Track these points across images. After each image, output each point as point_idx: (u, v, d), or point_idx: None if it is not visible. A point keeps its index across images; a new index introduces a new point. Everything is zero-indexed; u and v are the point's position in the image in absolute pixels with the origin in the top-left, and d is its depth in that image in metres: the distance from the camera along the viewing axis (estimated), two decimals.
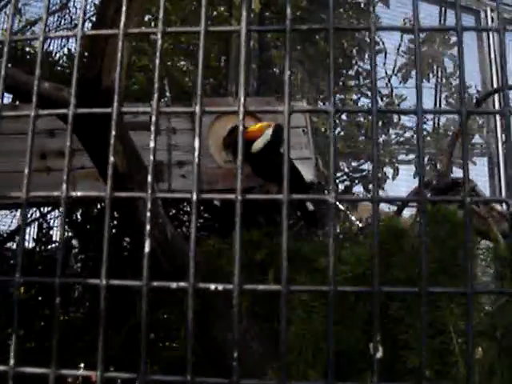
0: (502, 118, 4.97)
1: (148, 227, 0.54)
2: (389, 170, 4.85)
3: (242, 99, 0.54)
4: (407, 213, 3.08)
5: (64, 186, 0.56)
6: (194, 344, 0.54)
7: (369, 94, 4.96)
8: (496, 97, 4.97)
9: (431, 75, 5.21)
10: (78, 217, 3.80)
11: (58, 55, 4.31)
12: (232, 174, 3.20)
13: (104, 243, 0.54)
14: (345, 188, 4.69)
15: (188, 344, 0.51)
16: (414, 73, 5.13)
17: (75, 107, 0.59)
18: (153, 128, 0.56)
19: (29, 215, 3.94)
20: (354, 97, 5.04)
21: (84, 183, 2.92)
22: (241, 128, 0.54)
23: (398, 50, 5.20)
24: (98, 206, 3.71)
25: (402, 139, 5.05)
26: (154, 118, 0.56)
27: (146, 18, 4.23)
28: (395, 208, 3.12)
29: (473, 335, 0.50)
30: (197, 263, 0.53)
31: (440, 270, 1.82)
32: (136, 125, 2.38)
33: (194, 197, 0.52)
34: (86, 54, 2.07)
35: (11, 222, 4.14)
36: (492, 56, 5.19)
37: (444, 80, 5.26)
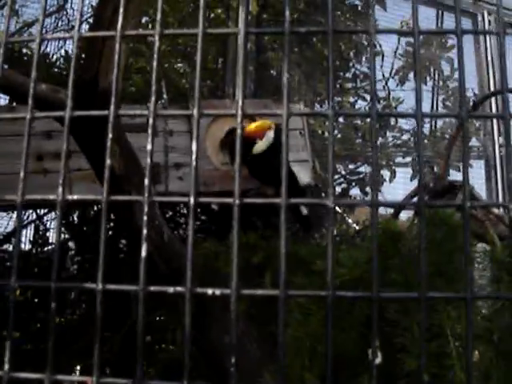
0: (501, 121, 4.97)
1: (145, 231, 0.54)
2: (386, 173, 4.85)
3: (241, 102, 0.54)
4: (404, 215, 3.08)
5: (60, 189, 0.55)
6: (190, 348, 0.54)
7: (366, 96, 4.96)
8: (493, 100, 4.98)
9: (428, 78, 5.22)
10: (75, 219, 3.79)
11: (54, 57, 4.30)
12: (229, 175, 3.20)
13: (100, 247, 0.53)
14: (342, 190, 4.69)
15: (185, 349, 0.50)
16: (411, 75, 5.14)
17: (72, 109, 0.58)
18: (150, 131, 0.55)
19: (25, 217, 3.93)
20: (351, 99, 5.04)
21: (81, 185, 2.91)
22: (239, 131, 0.54)
23: (396, 52, 5.21)
24: (95, 208, 3.71)
25: (399, 142, 5.05)
26: (151, 121, 0.56)
27: (144, 20, 4.23)
28: (392, 211, 3.12)
29: (472, 340, 0.50)
30: (194, 266, 0.52)
31: (437, 273, 1.82)
32: (133, 126, 2.38)
33: (192, 200, 0.52)
34: (83, 55, 2.07)
35: (7, 224, 4.13)
36: (489, 59, 5.20)
37: (441, 83, 5.26)
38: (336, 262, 1.84)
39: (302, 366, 1.80)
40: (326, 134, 4.64)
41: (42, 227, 3.95)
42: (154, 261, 2.28)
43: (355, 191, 4.75)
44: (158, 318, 3.39)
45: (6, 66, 3.24)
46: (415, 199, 2.94)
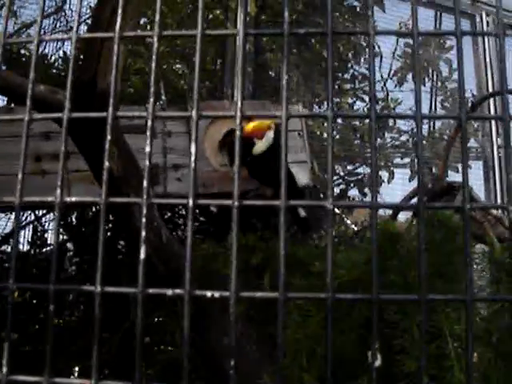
0: (500, 122, 4.98)
1: (143, 233, 0.53)
2: (384, 174, 4.85)
3: (240, 103, 0.53)
4: (402, 216, 3.08)
5: (58, 191, 0.55)
6: (189, 349, 0.54)
7: (364, 97, 4.97)
8: (491, 101, 4.98)
9: (426, 79, 5.22)
10: (73, 220, 3.79)
11: (53, 58, 4.30)
12: (228, 177, 3.20)
13: (99, 249, 0.53)
14: (340, 191, 4.69)
15: (184, 352, 0.50)
16: (409, 77, 5.14)
17: (70, 111, 0.58)
18: (148, 133, 0.55)
19: (23, 218, 3.93)
20: (350, 100, 5.05)
21: (79, 186, 2.91)
22: (238, 133, 0.54)
23: (394, 53, 5.21)
24: (94, 209, 3.70)
25: (397, 143, 5.06)
26: (149, 123, 0.55)
27: (142, 21, 4.23)
28: (390, 211, 3.12)
29: (473, 343, 0.50)
30: (192, 268, 0.52)
31: (436, 275, 1.82)
32: (131, 128, 2.37)
33: (191, 202, 0.51)
34: (81, 56, 2.07)
35: (6, 225, 4.13)
36: (487, 60, 5.20)
37: (439, 84, 5.27)
38: (334, 263, 1.83)
39: (300, 368, 1.80)
40: (325, 135, 4.65)
41: (40, 228, 3.94)
42: (152, 262, 2.27)
43: (353, 192, 4.76)
44: (156, 320, 3.38)
45: (4, 68, 3.24)
46: (414, 200, 2.94)
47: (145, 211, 0.54)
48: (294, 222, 3.33)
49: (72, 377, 3.23)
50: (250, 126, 3.03)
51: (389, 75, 5.19)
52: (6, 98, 3.40)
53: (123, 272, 2.76)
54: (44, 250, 3.81)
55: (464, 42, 0.58)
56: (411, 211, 2.47)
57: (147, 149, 0.55)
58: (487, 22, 5.33)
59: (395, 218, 2.87)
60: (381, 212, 3.38)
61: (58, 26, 4.71)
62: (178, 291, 0.51)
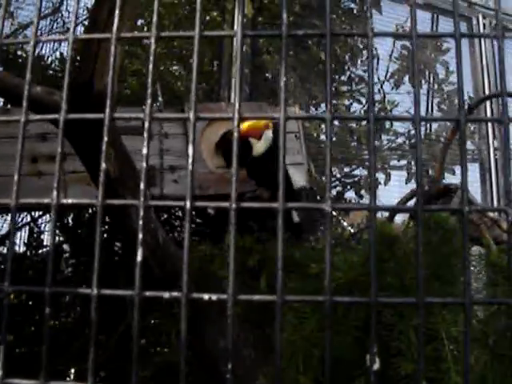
0: (496, 125, 4.98)
1: (140, 236, 0.53)
2: (381, 176, 4.86)
3: (237, 105, 0.53)
4: (399, 218, 3.08)
5: (54, 192, 0.55)
6: (186, 352, 0.54)
7: (361, 99, 4.97)
8: (488, 103, 4.99)
9: (423, 81, 5.23)
10: (70, 221, 3.78)
11: (50, 59, 4.29)
12: (224, 179, 3.20)
13: (95, 251, 0.53)
14: (337, 193, 4.69)
15: (181, 355, 0.50)
16: (406, 79, 5.15)
17: (67, 112, 0.58)
18: (145, 135, 0.55)
19: (20, 219, 3.92)
20: (347, 102, 5.05)
21: (76, 188, 2.90)
22: (235, 134, 0.53)
23: (391, 56, 5.22)
24: (90, 211, 3.70)
25: (394, 145, 5.06)
26: (146, 124, 0.55)
27: (139, 23, 4.23)
28: (387, 214, 3.12)
29: (469, 345, 0.49)
30: (189, 270, 0.52)
31: (433, 277, 1.82)
32: (128, 129, 2.37)
33: (188, 204, 0.51)
34: (78, 58, 2.06)
35: (2, 227, 4.12)
36: (484, 63, 5.21)
37: (436, 86, 5.27)
38: (331, 265, 1.82)
39: (296, 370, 1.79)
40: (321, 137, 4.65)
41: (36, 230, 3.93)
42: (148, 264, 2.27)
43: (350, 194, 4.76)
44: (153, 321, 3.38)
45: (0, 69, 3.24)
46: (411, 203, 2.94)
47: (142, 213, 0.53)
48: (287, 227, 3.31)
49: (68, 379, 3.22)
50: (245, 126, 3.01)
51: (386, 77, 5.20)
52: (2, 99, 3.40)
53: (120, 274, 2.75)
54: (40, 251, 3.81)
55: (461, 46, 0.58)
56: (408, 213, 2.47)
57: (144, 150, 0.55)
58: (484, 25, 5.33)
59: (392, 220, 2.87)
60: (378, 214, 3.37)
61: (55, 27, 4.71)
62: (174, 294, 0.51)
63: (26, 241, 3.84)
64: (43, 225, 4.05)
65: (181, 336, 0.51)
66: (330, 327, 0.48)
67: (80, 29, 4.06)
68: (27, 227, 3.96)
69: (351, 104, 5.04)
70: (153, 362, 3.16)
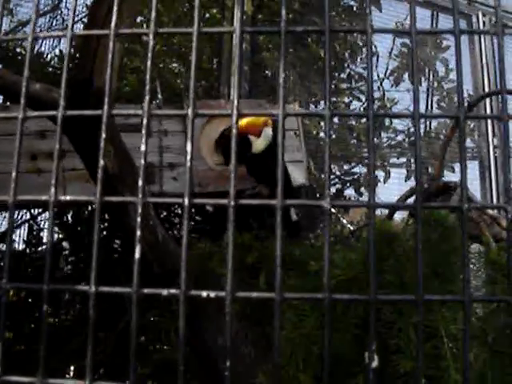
0: (496, 122, 4.98)
1: (138, 233, 0.53)
2: (380, 174, 4.86)
3: (236, 102, 0.53)
4: (398, 216, 3.08)
5: (52, 189, 0.54)
6: (184, 349, 0.53)
7: (360, 97, 4.97)
8: (487, 101, 4.99)
9: (423, 79, 5.22)
10: (69, 218, 3.78)
11: (49, 56, 4.28)
12: (224, 176, 3.19)
13: (93, 249, 0.53)
14: (336, 191, 4.69)
15: (180, 352, 0.50)
16: (405, 76, 5.14)
17: (65, 109, 0.58)
18: (144, 131, 0.55)
19: (19, 217, 3.92)
20: (346, 100, 5.04)
21: (75, 185, 2.90)
22: (234, 131, 0.53)
23: (390, 53, 5.21)
24: (89, 208, 3.70)
25: (393, 143, 5.06)
26: (145, 121, 0.55)
27: (138, 20, 4.22)
28: (386, 211, 3.12)
29: (468, 342, 0.49)
30: (188, 267, 0.52)
31: (432, 274, 1.82)
32: (127, 126, 2.37)
33: (187, 201, 0.51)
34: (77, 54, 2.06)
35: (1, 224, 4.12)
36: (484, 60, 5.20)
37: (436, 84, 5.27)
38: (330, 262, 1.82)
39: (296, 367, 1.79)
40: (321, 134, 4.65)
41: (35, 227, 3.93)
42: (147, 261, 2.27)
43: (350, 192, 4.76)
44: (152, 319, 3.38)
45: None
46: (410, 200, 2.94)
47: (140, 210, 0.53)
48: (285, 226, 3.30)
49: (67, 376, 3.22)
50: (243, 122, 2.99)
51: (385, 75, 5.19)
52: (1, 97, 3.39)
53: (119, 271, 2.75)
54: (39, 248, 3.80)
55: (460, 42, 0.57)
56: (407, 211, 2.47)
57: (142, 147, 0.55)
58: (483, 22, 5.33)
59: (391, 218, 2.87)
60: (377, 211, 3.37)
61: (54, 24, 4.70)
62: (173, 291, 0.50)
63: (25, 238, 3.84)
64: (43, 222, 4.05)
65: (179, 333, 0.51)
66: (329, 325, 0.48)
67: (79, 26, 4.06)
68: (27, 225, 3.96)
69: (351, 102, 5.04)
70: (152, 359, 3.16)
